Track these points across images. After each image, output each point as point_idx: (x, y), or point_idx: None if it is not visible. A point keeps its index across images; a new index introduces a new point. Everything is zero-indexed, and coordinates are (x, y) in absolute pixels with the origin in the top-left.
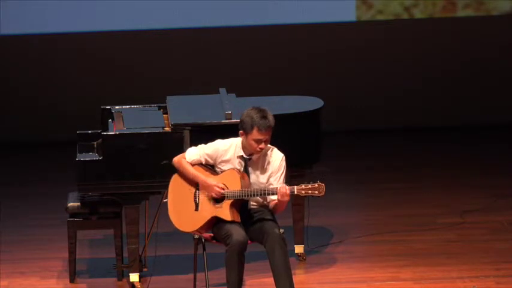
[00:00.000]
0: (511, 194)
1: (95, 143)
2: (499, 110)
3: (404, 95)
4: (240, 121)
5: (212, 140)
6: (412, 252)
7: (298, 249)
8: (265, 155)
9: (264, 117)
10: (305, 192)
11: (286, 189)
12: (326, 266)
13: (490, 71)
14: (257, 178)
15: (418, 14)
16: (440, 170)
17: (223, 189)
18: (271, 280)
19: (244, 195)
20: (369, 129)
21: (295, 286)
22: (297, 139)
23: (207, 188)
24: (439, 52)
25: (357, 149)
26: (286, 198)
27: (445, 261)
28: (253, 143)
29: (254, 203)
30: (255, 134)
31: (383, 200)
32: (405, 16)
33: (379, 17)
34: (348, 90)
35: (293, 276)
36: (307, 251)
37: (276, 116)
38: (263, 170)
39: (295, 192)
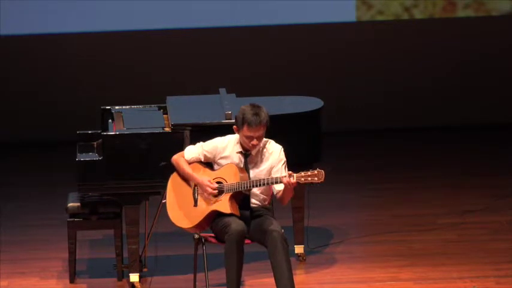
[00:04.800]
0: (511, 194)
1: (95, 143)
2: (499, 110)
3: (404, 95)
4: (235, 117)
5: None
6: (412, 252)
7: (298, 249)
8: (264, 148)
9: (256, 114)
10: (304, 180)
11: (290, 177)
12: (326, 266)
13: (490, 71)
14: (257, 172)
15: (418, 14)
16: (440, 170)
17: (221, 187)
18: (271, 280)
19: (243, 187)
20: (369, 129)
21: (295, 286)
22: (297, 139)
23: (201, 187)
24: (439, 52)
25: (357, 149)
26: (293, 184)
27: (445, 261)
28: (245, 139)
29: (255, 202)
30: (246, 131)
31: (383, 200)
32: (405, 16)
33: (379, 18)
34: (348, 90)
35: (293, 277)
36: (307, 251)
37: (276, 116)
38: (263, 164)
39: (295, 180)
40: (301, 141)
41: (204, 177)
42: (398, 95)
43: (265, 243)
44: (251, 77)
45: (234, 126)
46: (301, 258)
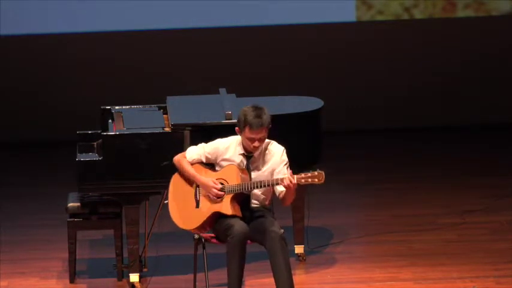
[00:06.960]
0: (511, 194)
1: (95, 143)
2: (499, 110)
3: (404, 95)
4: (237, 118)
5: (212, 140)
6: (412, 252)
7: (298, 249)
8: (266, 149)
9: (258, 116)
10: (305, 181)
11: (290, 178)
12: (326, 266)
13: (490, 71)
14: (259, 173)
15: (418, 14)
16: (440, 170)
17: (222, 188)
18: (271, 280)
19: (244, 189)
20: (369, 129)
21: (295, 286)
22: (297, 139)
23: (205, 188)
24: (439, 52)
25: (357, 149)
26: (294, 186)
27: (445, 261)
28: (247, 140)
29: (255, 203)
30: (247, 133)
31: (383, 200)
32: (405, 16)
33: (379, 18)
34: (348, 90)
35: (293, 277)
36: (307, 251)
37: (276, 117)
38: (265, 165)
39: (295, 181)
40: (301, 141)
41: (208, 177)
42: (398, 95)
43: (264, 243)
44: (251, 77)
45: (236, 128)
46: (301, 258)
